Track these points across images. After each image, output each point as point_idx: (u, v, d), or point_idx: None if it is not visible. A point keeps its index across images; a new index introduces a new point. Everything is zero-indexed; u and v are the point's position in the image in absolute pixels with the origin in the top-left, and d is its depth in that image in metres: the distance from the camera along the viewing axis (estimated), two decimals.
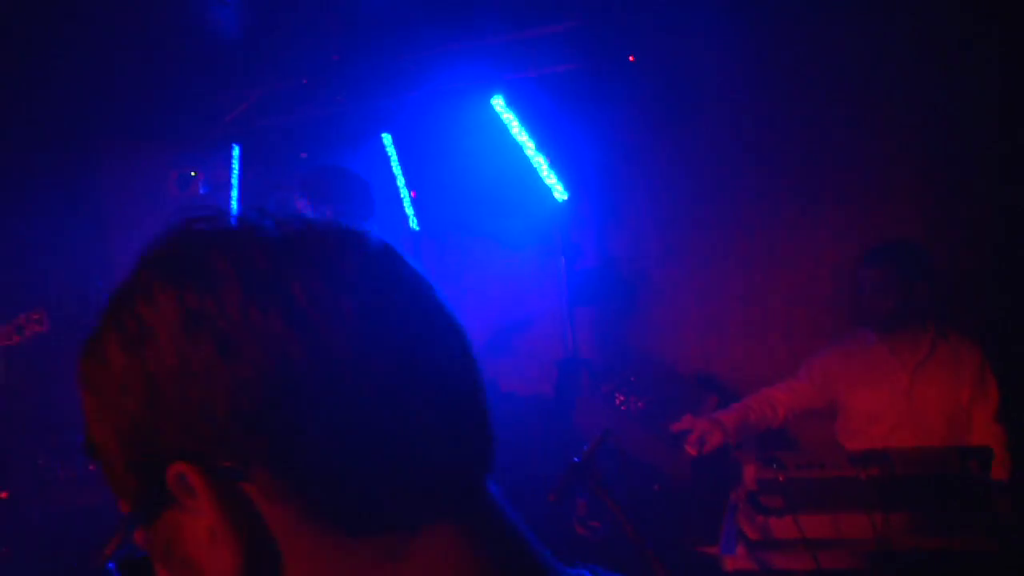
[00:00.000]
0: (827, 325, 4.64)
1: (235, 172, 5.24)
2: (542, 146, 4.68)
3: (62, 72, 4.90)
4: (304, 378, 0.62)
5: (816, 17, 4.58)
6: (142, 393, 0.64)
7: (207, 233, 0.70)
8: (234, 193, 5.27)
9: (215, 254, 0.67)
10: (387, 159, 5.06)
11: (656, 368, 4.67)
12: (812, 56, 4.62)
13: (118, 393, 0.66)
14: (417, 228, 5.12)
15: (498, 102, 4.63)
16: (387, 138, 5.04)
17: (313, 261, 0.67)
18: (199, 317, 0.63)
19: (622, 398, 3.60)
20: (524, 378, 5.08)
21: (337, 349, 0.63)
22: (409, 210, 5.10)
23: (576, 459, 2.41)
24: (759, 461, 2.77)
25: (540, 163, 4.69)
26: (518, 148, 4.69)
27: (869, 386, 3.62)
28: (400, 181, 5.08)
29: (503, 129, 4.67)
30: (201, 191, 5.35)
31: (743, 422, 3.62)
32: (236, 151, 5.21)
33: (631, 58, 4.52)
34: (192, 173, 5.28)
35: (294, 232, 0.70)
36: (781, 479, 2.73)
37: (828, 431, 3.87)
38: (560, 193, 4.72)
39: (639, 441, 3.48)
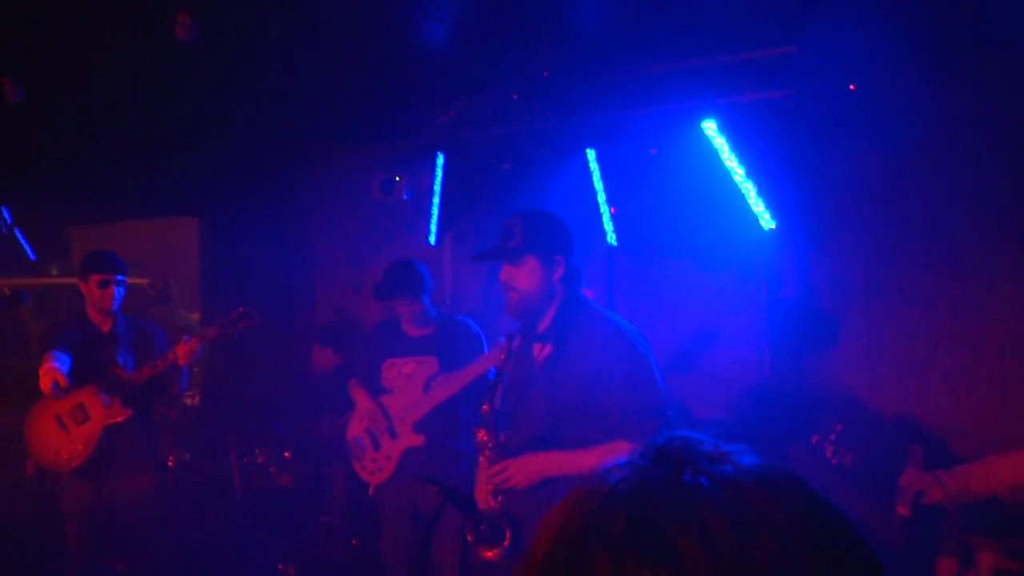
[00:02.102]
0: None
1: (438, 179, 5.36)
2: (751, 172, 4.59)
3: (281, 79, 5.13)
4: None
5: None
6: None
7: (666, 500, 0.70)
8: (436, 200, 5.40)
9: (678, 530, 0.67)
10: (589, 174, 5.07)
11: (855, 411, 4.52)
12: None
13: None
14: (615, 243, 5.11)
15: (710, 126, 4.56)
16: (591, 153, 5.05)
17: (766, 537, 0.67)
18: None
19: (831, 449, 3.50)
20: (716, 403, 5.02)
21: None
22: (608, 225, 5.10)
23: None
24: (999, 548, 2.64)
25: (748, 189, 4.60)
26: (726, 173, 4.61)
27: None
28: (601, 196, 5.08)
29: (712, 153, 4.60)
30: (404, 196, 5.50)
31: (965, 488, 3.46)
32: (440, 159, 5.32)
33: (852, 87, 4.37)
34: (396, 178, 5.42)
35: (735, 488, 0.71)
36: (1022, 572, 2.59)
37: None
38: (767, 221, 4.62)
39: (848, 496, 3.37)
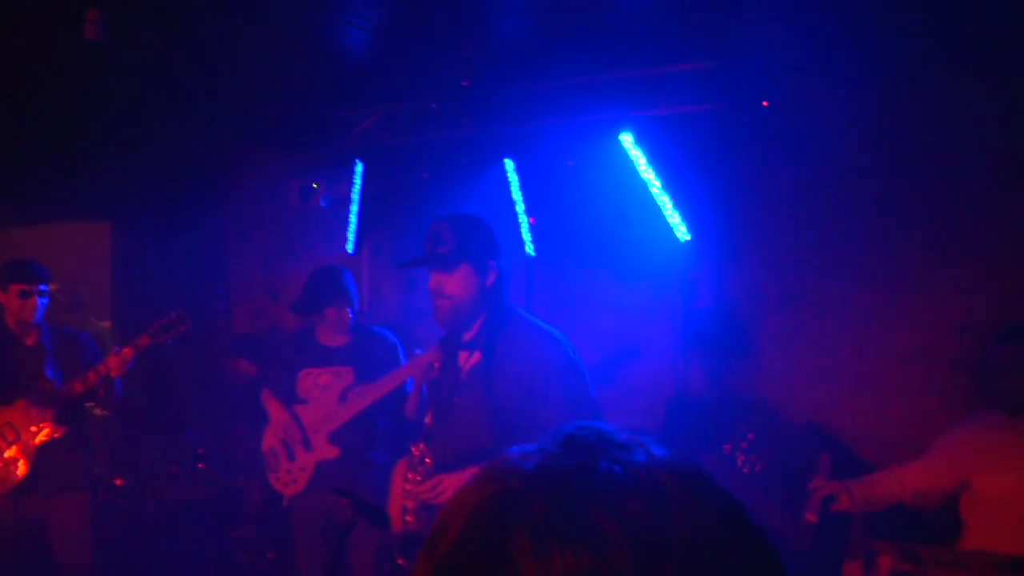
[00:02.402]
0: (947, 387, 4.54)
1: (356, 187, 5.31)
2: (667, 185, 4.65)
3: (198, 82, 5.03)
4: None
5: (952, 67, 4.46)
6: None
7: (584, 485, 0.71)
8: (354, 208, 5.36)
9: (599, 512, 0.68)
10: (507, 184, 5.08)
11: (768, 420, 4.62)
12: (946, 107, 4.51)
13: None
14: (533, 254, 5.13)
15: (627, 138, 4.61)
16: (510, 164, 5.06)
17: (684, 522, 0.69)
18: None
19: (743, 458, 3.56)
20: (632, 412, 5.07)
21: None
22: (526, 236, 5.12)
23: None
24: (897, 551, 2.71)
25: (664, 202, 4.66)
26: (643, 185, 4.67)
27: (999, 470, 3.50)
28: (520, 207, 5.09)
29: (629, 165, 4.65)
30: (321, 204, 5.44)
31: (871, 496, 3.56)
32: (359, 167, 5.28)
33: (765, 103, 4.46)
34: (314, 185, 5.37)
35: (647, 474, 0.72)
36: (918, 574, 2.67)
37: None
38: (682, 233, 4.69)
39: (758, 505, 3.43)
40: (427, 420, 3.27)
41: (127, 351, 4.34)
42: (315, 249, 5.90)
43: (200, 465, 5.45)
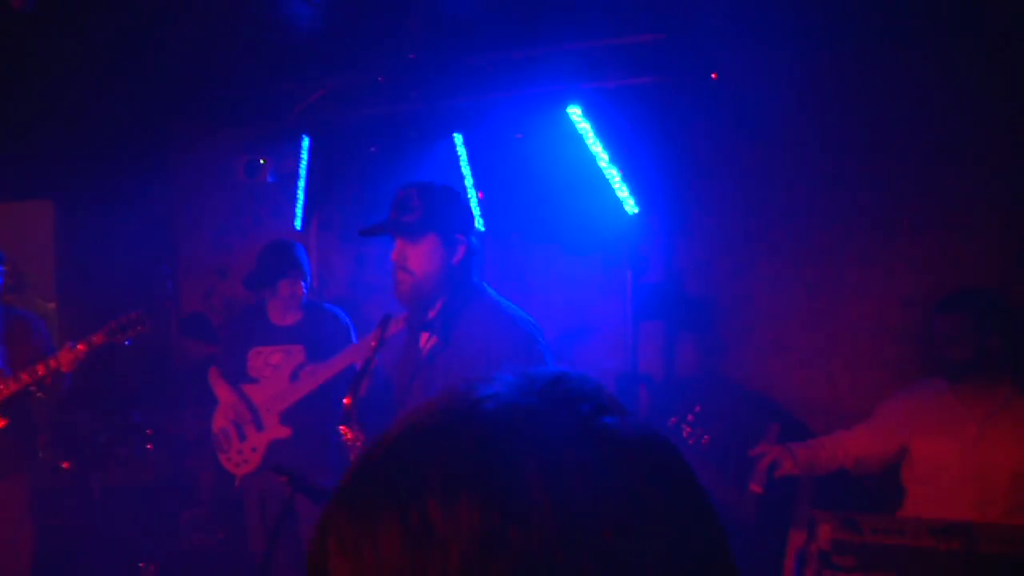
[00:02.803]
0: (892, 357, 4.59)
1: (304, 163, 5.24)
2: (616, 158, 4.63)
3: (141, 55, 4.92)
4: None
5: (901, 41, 4.47)
6: None
7: (514, 435, 0.65)
8: (301, 184, 5.29)
9: (530, 474, 0.61)
10: (456, 159, 5.03)
11: (719, 393, 4.64)
12: (895, 81, 4.53)
13: None
14: (482, 228, 5.10)
15: (575, 111, 4.58)
16: (458, 138, 5.01)
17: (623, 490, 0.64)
18: (501, 541, 0.59)
19: (688, 430, 3.58)
20: None
21: None
22: (475, 210, 5.08)
23: None
24: (836, 520, 2.74)
25: (613, 175, 4.64)
26: (591, 158, 4.65)
27: (936, 435, 3.56)
28: (468, 181, 5.05)
29: (577, 138, 4.62)
30: (268, 179, 5.36)
31: (814, 460, 3.60)
32: (306, 142, 5.21)
33: (714, 76, 4.45)
34: (261, 160, 5.28)
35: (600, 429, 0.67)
36: (857, 542, 2.70)
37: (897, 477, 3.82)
38: (631, 206, 4.67)
39: (704, 478, 3.45)
40: (364, 396, 3.12)
41: (80, 348, 4.26)
42: (264, 225, 5.82)
43: (149, 446, 5.37)
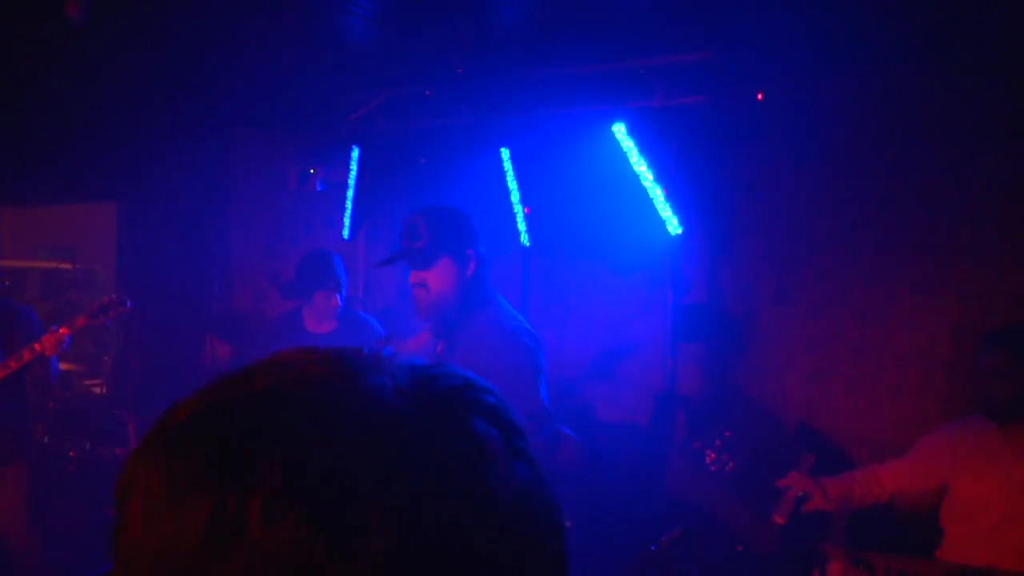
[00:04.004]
0: (942, 390, 4.45)
1: (353, 173, 5.31)
2: (660, 177, 4.59)
3: (198, 65, 5.05)
4: None
5: (953, 62, 4.35)
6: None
7: (379, 455, 0.56)
8: (350, 193, 5.35)
9: (377, 508, 0.54)
10: (503, 173, 5.04)
11: (755, 418, 4.55)
12: (948, 104, 4.40)
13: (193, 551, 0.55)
14: (528, 244, 5.10)
15: (619, 129, 4.56)
16: (505, 153, 5.02)
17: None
18: (314, 570, 0.52)
19: (713, 456, 3.51)
20: (621, 406, 5.04)
21: None
22: (521, 226, 5.08)
23: (653, 547, 2.37)
24: (848, 559, 2.66)
25: (657, 194, 4.60)
26: (635, 177, 4.61)
27: (980, 475, 3.44)
28: (515, 196, 5.05)
29: (622, 156, 4.60)
30: (318, 188, 5.44)
31: (847, 495, 3.50)
32: (355, 152, 5.27)
33: (760, 96, 4.38)
34: (311, 170, 5.37)
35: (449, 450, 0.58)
36: None
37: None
38: (674, 226, 4.62)
39: (725, 504, 3.40)
40: None
41: (63, 331, 4.36)
42: (314, 233, 5.91)
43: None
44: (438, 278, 3.09)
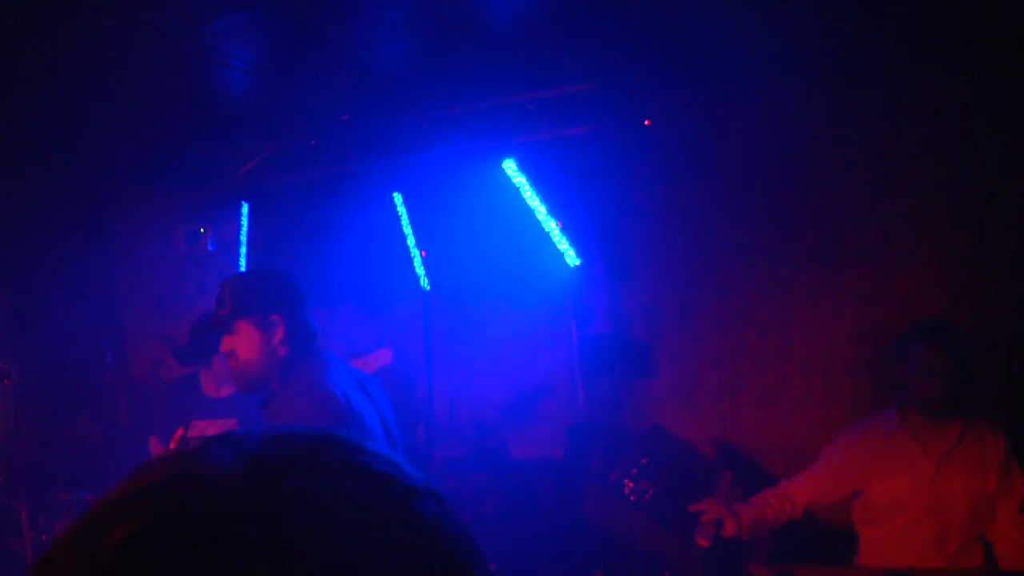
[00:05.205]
0: (845, 393, 4.55)
1: (244, 229, 5.18)
2: (554, 210, 4.60)
3: (81, 128, 4.87)
4: None
5: (837, 79, 4.48)
6: None
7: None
8: (242, 250, 5.22)
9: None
10: (398, 218, 4.99)
11: (668, 441, 4.56)
12: (831, 119, 4.53)
13: None
14: (428, 287, 5.04)
15: (510, 165, 4.55)
16: (398, 197, 4.97)
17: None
18: None
19: (631, 485, 3.49)
20: (536, 441, 5.00)
21: None
22: (420, 270, 5.02)
23: None
24: (771, 573, 2.66)
25: (552, 227, 4.60)
26: (530, 211, 4.61)
27: (892, 476, 3.48)
28: (411, 240, 5.00)
29: (515, 192, 4.59)
30: (209, 248, 5.29)
31: (761, 519, 3.50)
32: (245, 208, 5.15)
33: (647, 122, 4.44)
34: (201, 230, 5.22)
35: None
36: None
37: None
38: (572, 258, 4.63)
39: (649, 532, 3.38)
40: None
41: None
42: (207, 293, 5.71)
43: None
44: (241, 344, 2.99)
